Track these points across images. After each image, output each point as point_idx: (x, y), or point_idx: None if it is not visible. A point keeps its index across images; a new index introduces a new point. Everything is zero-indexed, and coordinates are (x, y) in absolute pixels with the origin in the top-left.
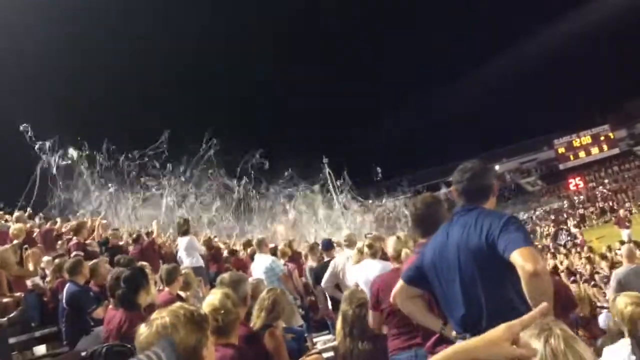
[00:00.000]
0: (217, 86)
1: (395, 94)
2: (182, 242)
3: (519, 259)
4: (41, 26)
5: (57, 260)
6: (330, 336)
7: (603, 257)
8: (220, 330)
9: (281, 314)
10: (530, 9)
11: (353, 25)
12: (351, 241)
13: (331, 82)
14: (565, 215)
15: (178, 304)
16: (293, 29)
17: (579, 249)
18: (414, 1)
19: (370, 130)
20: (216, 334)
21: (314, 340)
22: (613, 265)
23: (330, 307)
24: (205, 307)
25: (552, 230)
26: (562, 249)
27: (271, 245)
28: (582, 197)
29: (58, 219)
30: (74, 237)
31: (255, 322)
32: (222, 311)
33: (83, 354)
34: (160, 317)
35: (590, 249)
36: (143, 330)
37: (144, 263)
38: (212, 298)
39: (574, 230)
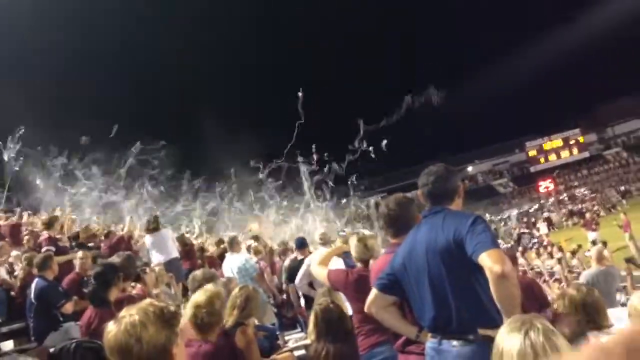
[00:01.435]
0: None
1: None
2: (149, 239)
3: (487, 260)
4: None
5: (28, 255)
6: (302, 334)
7: (574, 252)
8: (200, 327)
9: (253, 311)
10: (507, 17)
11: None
12: (326, 239)
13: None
14: (534, 218)
15: (147, 300)
16: None
17: (549, 249)
18: None
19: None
20: (196, 329)
21: (286, 338)
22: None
23: (302, 305)
24: (190, 303)
25: (517, 232)
26: (532, 250)
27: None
28: (551, 199)
29: (24, 213)
30: (45, 232)
31: (227, 319)
32: (205, 310)
33: (51, 350)
34: (129, 314)
35: (561, 249)
36: (111, 328)
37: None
38: (199, 296)
39: (541, 232)
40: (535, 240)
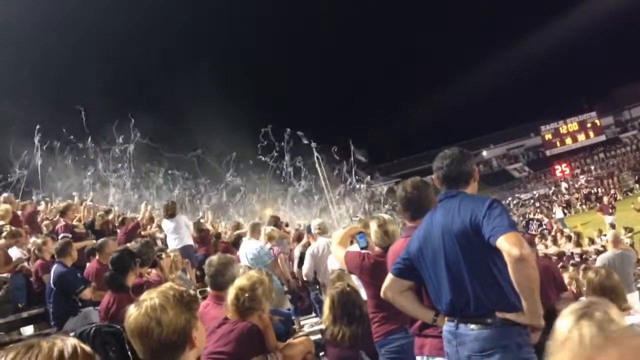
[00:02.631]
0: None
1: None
2: (168, 224)
3: (505, 244)
4: None
5: (37, 241)
6: (317, 319)
7: (592, 241)
8: (240, 310)
9: (268, 297)
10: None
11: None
12: (323, 229)
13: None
14: (550, 201)
15: (168, 284)
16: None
17: (566, 233)
18: None
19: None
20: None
21: (302, 323)
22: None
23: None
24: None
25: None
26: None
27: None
28: (567, 183)
29: (42, 202)
30: (61, 219)
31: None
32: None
33: (71, 334)
34: (150, 298)
35: (578, 235)
36: (132, 311)
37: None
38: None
39: (556, 217)
40: (544, 227)
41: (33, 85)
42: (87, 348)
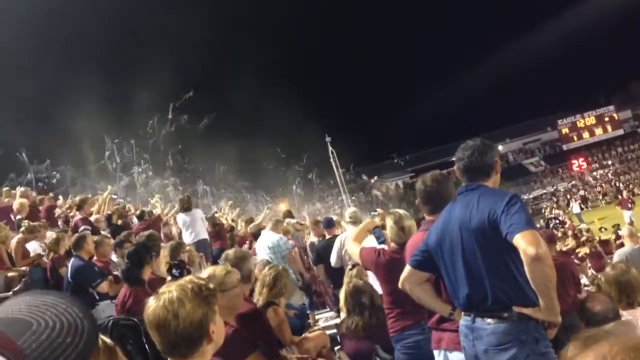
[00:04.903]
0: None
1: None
2: (183, 218)
3: (522, 242)
4: None
5: (53, 235)
6: (332, 313)
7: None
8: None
9: (283, 290)
10: None
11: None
12: (357, 218)
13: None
14: (568, 196)
15: (187, 277)
16: None
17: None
18: None
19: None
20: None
21: (316, 317)
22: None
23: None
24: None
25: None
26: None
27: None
28: (585, 178)
29: (60, 196)
30: (77, 213)
31: (258, 298)
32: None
33: None
34: (168, 290)
35: (589, 240)
36: (151, 303)
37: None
38: (210, 274)
39: (573, 211)
40: (559, 223)
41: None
42: (108, 340)
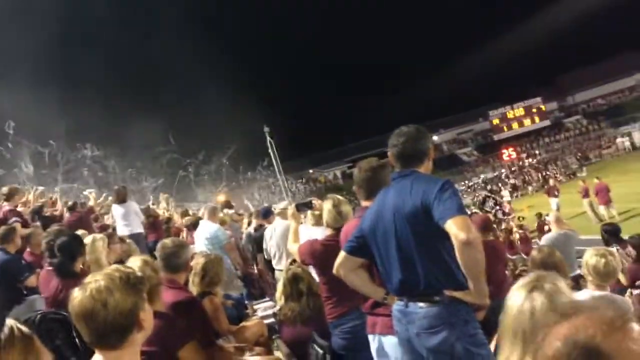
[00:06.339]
0: None
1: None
2: (118, 209)
3: (453, 227)
4: None
5: None
6: (270, 303)
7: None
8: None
9: (216, 279)
10: None
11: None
12: (285, 212)
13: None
14: (499, 185)
15: (114, 266)
16: None
17: (511, 217)
18: None
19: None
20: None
21: (255, 307)
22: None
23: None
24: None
25: (482, 195)
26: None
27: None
28: (514, 167)
29: None
30: (5, 203)
31: (193, 288)
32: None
33: None
34: (95, 280)
35: (520, 226)
36: (77, 294)
37: (83, 231)
38: (131, 265)
39: (503, 199)
40: (498, 207)
41: None
42: (25, 328)
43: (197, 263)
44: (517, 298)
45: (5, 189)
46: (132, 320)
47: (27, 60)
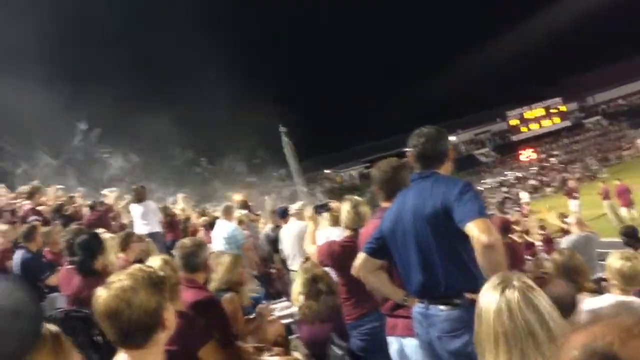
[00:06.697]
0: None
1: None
2: (137, 208)
3: (474, 230)
4: None
5: (3, 227)
6: (287, 303)
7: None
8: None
9: (236, 278)
10: None
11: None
12: (300, 213)
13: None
14: (517, 186)
15: (136, 266)
16: None
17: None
18: None
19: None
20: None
21: (272, 307)
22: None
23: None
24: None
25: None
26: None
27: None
28: (533, 168)
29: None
30: (27, 202)
31: (213, 286)
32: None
33: None
34: (119, 279)
35: (542, 227)
36: (101, 293)
37: (102, 230)
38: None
39: (522, 199)
40: (517, 208)
41: None
42: (55, 328)
43: (221, 263)
44: (490, 300)
45: (26, 188)
46: (156, 320)
47: (40, 58)
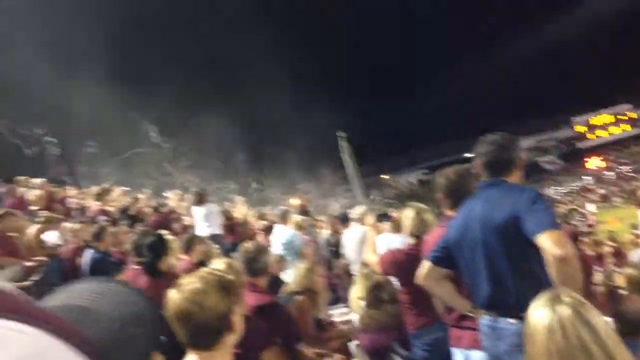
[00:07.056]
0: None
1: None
2: (198, 211)
3: (547, 242)
4: None
5: (73, 226)
6: (345, 309)
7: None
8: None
9: (310, 285)
10: None
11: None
12: (362, 218)
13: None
14: (583, 195)
15: (206, 269)
16: None
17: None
18: None
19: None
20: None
21: (330, 312)
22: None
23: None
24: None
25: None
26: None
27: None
28: (601, 176)
29: (72, 187)
30: (96, 203)
31: (287, 289)
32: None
33: None
34: (190, 282)
35: (612, 239)
36: (173, 295)
37: (165, 231)
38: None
39: (588, 210)
40: (584, 219)
41: None
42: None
43: (299, 268)
44: (541, 317)
45: (96, 189)
46: (226, 323)
47: (99, 60)
